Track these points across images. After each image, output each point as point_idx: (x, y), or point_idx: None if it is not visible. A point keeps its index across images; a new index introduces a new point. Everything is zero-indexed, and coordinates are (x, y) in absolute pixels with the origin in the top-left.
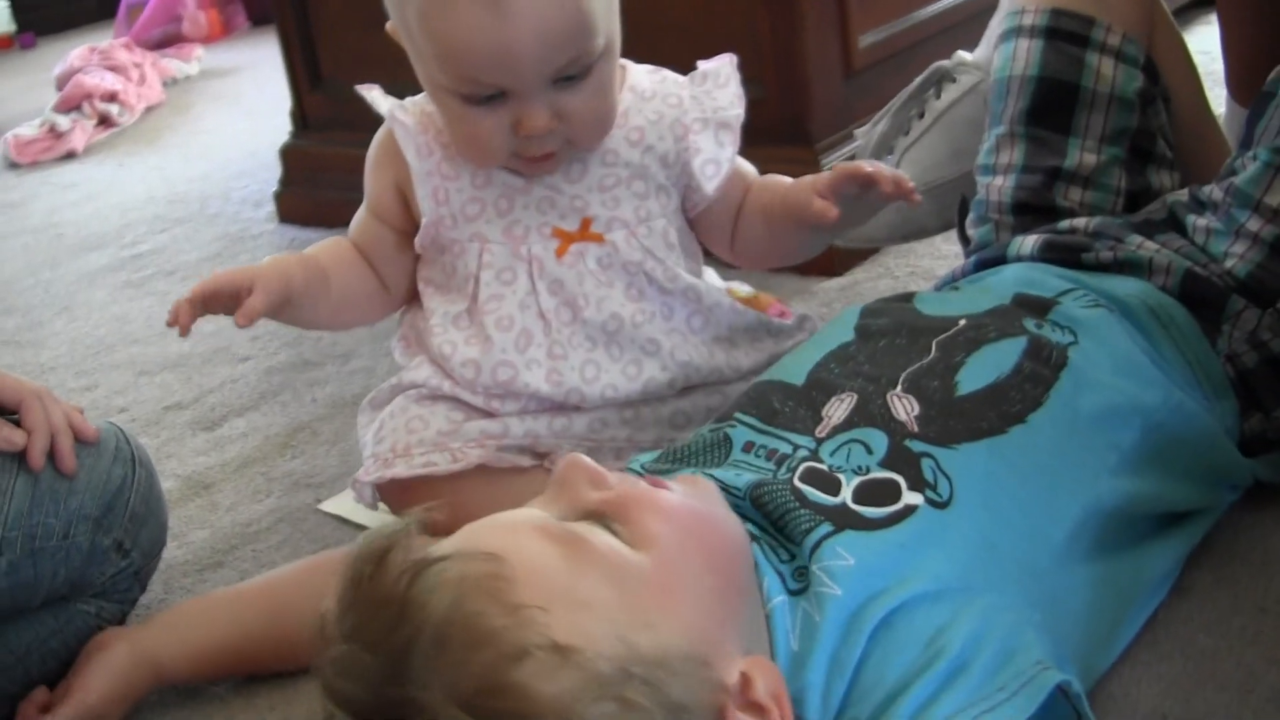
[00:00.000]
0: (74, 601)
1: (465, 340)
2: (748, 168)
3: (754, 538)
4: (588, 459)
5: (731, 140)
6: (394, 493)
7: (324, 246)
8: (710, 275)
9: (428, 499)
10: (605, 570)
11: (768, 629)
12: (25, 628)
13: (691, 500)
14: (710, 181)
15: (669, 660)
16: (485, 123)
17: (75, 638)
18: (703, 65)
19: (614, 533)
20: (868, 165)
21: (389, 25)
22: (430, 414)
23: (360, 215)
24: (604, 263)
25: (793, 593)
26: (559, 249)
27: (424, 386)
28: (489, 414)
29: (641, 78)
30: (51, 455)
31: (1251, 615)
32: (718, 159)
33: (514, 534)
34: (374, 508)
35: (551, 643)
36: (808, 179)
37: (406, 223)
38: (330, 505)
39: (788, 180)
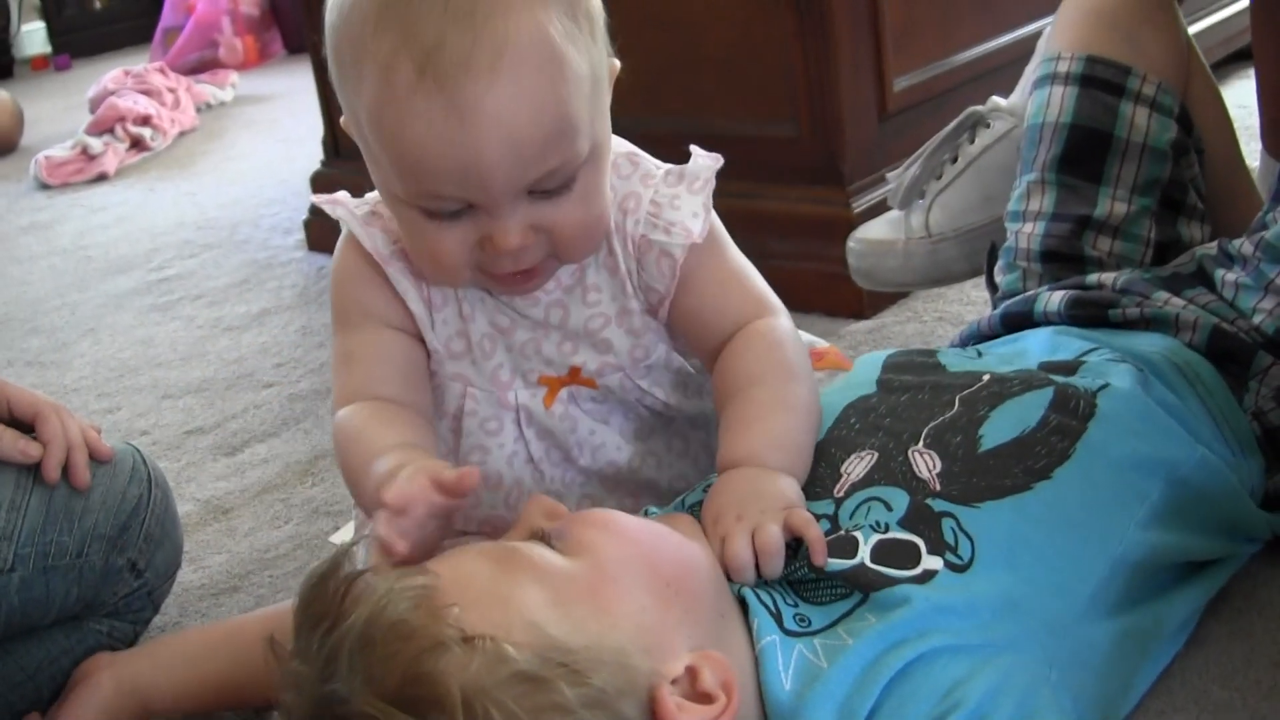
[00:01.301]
0: (86, 620)
1: None
2: (749, 307)
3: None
4: (549, 499)
5: (671, 273)
6: None
7: (390, 430)
8: None
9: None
10: (532, 574)
11: (755, 664)
12: (36, 645)
13: (642, 520)
14: (656, 307)
15: (594, 650)
16: (447, 238)
17: (86, 656)
18: (694, 158)
19: (552, 547)
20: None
21: (342, 120)
22: None
23: (364, 349)
24: (599, 401)
25: (790, 633)
26: (546, 398)
27: None
28: None
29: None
30: (65, 470)
31: (1266, 669)
32: (657, 289)
33: (452, 557)
34: None
35: (464, 634)
36: (719, 512)
37: (414, 324)
38: (339, 536)
39: (741, 435)
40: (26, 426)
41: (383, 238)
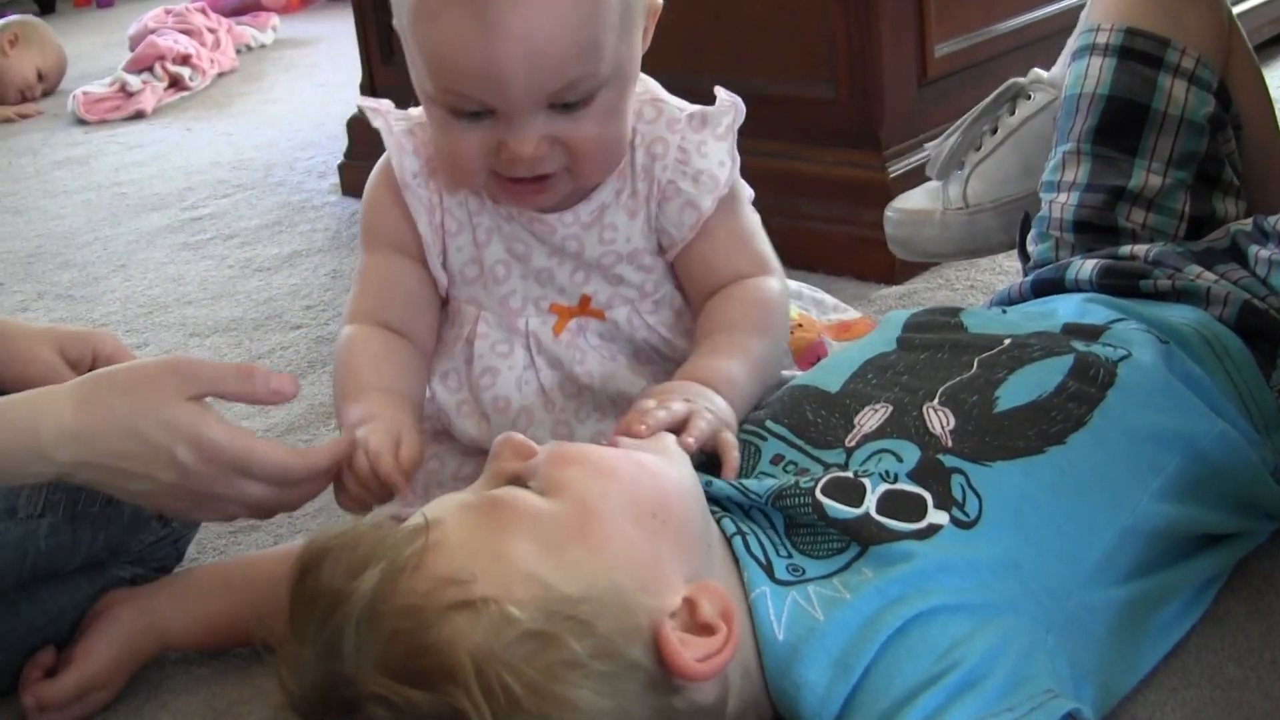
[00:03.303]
0: (110, 567)
1: (458, 408)
2: (753, 265)
3: (741, 532)
4: (519, 436)
5: (693, 222)
6: None
7: (378, 369)
8: None
9: None
10: (520, 523)
11: (750, 616)
12: (60, 590)
13: (617, 450)
14: (668, 250)
15: (594, 594)
16: (467, 138)
17: None
18: (718, 97)
19: (529, 489)
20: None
21: (395, 21)
22: (447, 453)
23: (375, 268)
24: (606, 337)
25: (782, 583)
26: (556, 326)
27: (435, 420)
28: None
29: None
30: None
31: None
32: (672, 234)
33: (436, 512)
34: None
35: (468, 599)
36: (667, 387)
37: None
38: None
39: (700, 363)
40: None
41: (412, 157)
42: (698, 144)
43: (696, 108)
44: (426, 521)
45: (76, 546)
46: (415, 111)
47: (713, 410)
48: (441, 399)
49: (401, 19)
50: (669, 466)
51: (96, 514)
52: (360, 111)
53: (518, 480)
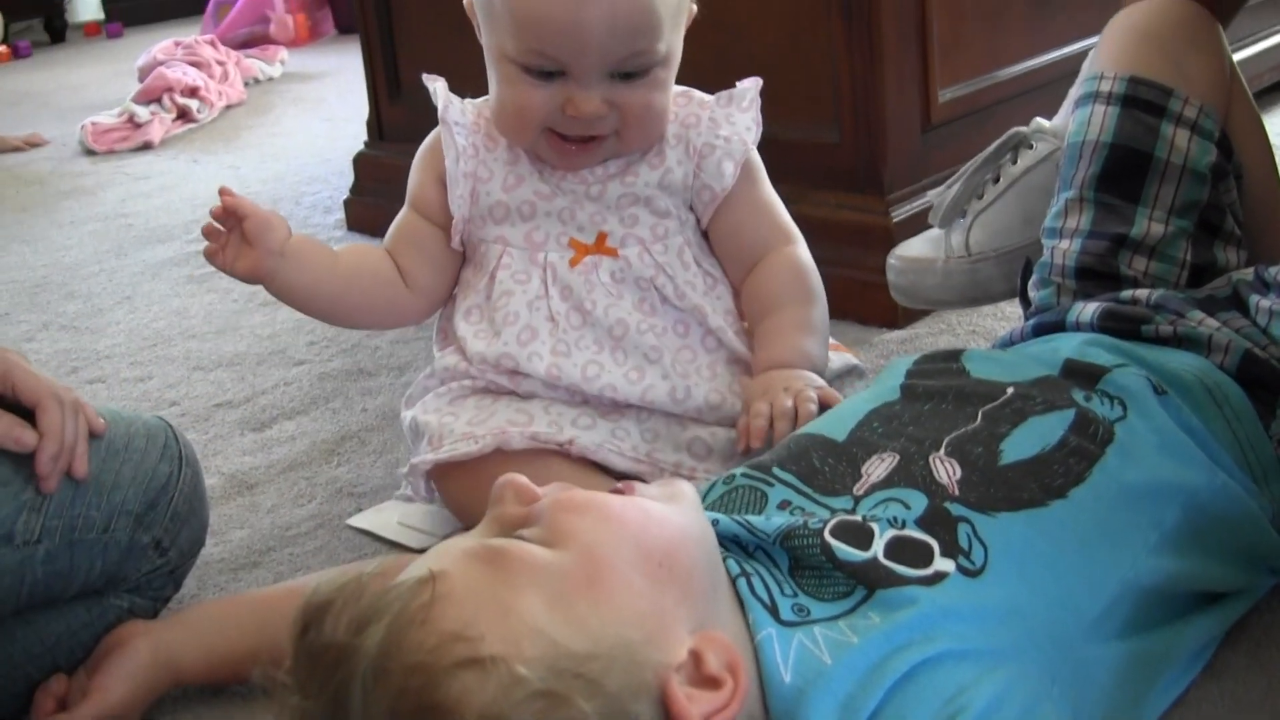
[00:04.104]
0: (107, 595)
1: (475, 334)
2: (778, 234)
3: (745, 573)
4: (521, 478)
5: (732, 171)
6: (438, 481)
7: (346, 245)
8: None
9: (466, 484)
10: (527, 576)
11: (756, 658)
12: (57, 618)
13: (622, 498)
14: (704, 209)
15: (602, 650)
16: (536, 94)
17: (105, 631)
18: (739, 85)
19: (534, 539)
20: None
21: (466, 1)
22: (460, 408)
23: (400, 217)
24: (616, 276)
25: (787, 624)
26: (573, 259)
27: (453, 379)
28: (514, 393)
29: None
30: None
31: None
32: (713, 187)
33: (441, 562)
34: (430, 501)
35: (477, 657)
36: (769, 384)
37: (447, 218)
38: (358, 520)
39: (778, 345)
40: (29, 413)
41: (459, 110)
42: (726, 115)
43: (722, 92)
44: (432, 573)
45: (73, 574)
46: (469, 101)
47: (810, 385)
48: (461, 331)
49: None
50: (676, 514)
51: (93, 541)
52: (363, 148)
53: (520, 527)
